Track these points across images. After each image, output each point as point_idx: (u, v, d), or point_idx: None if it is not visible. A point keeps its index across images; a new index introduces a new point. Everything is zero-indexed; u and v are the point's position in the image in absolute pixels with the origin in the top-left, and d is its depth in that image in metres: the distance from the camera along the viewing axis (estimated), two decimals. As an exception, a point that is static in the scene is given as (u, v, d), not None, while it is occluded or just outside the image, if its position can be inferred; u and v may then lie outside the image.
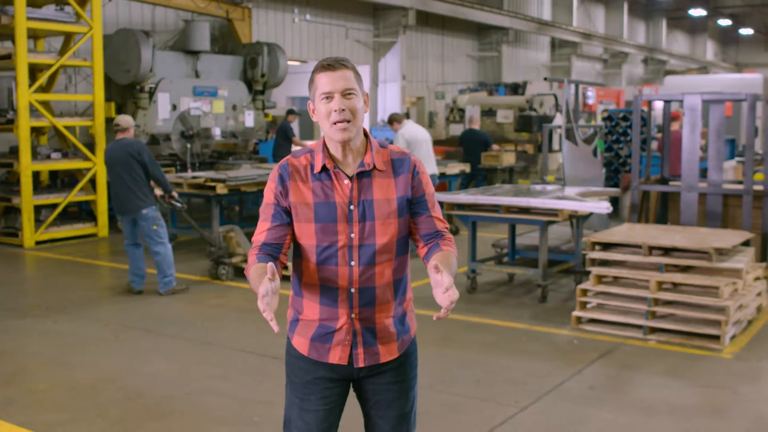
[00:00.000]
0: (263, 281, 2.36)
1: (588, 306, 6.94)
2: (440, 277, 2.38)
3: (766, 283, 7.33)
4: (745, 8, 43.92)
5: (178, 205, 8.26)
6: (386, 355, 2.71)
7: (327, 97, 2.61)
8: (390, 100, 22.16)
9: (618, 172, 13.17)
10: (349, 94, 2.61)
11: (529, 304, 7.69)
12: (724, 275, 6.47)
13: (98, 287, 8.64)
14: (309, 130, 21.69)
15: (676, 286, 6.65)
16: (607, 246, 7.06)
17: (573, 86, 10.14)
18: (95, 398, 5.17)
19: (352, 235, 2.61)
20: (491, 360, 5.98)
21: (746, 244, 7.51)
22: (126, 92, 13.48)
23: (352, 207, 2.62)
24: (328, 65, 2.63)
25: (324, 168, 2.64)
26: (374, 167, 2.65)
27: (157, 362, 5.91)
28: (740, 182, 8.54)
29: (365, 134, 2.70)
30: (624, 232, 7.32)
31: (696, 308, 6.44)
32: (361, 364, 2.68)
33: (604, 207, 7.36)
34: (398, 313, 2.74)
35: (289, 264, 2.76)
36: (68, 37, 11.87)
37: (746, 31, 48.08)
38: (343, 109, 2.59)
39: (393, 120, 10.74)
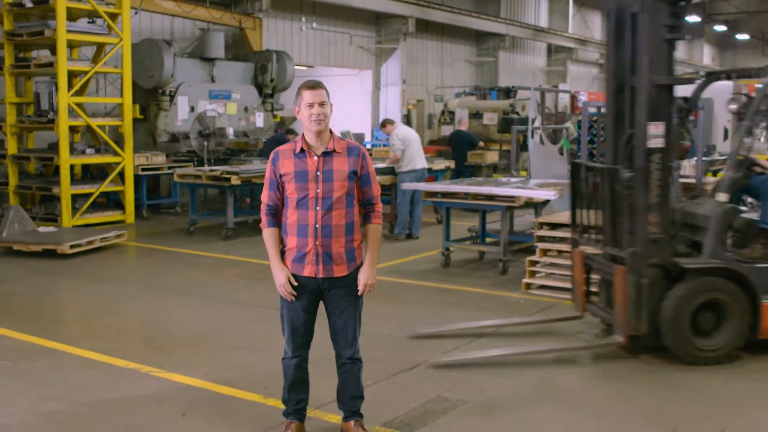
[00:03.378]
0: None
1: (536, 275, 8.45)
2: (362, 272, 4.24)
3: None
4: (740, 15, 45.29)
5: None
6: (338, 272, 4.26)
7: (310, 105, 4.18)
8: (391, 103, 23.69)
9: (591, 169, 14.63)
10: (323, 104, 4.20)
11: (492, 276, 9.22)
12: (643, 248, 7.97)
13: (130, 261, 10.20)
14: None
15: (606, 258, 8.15)
16: (555, 226, 8.58)
17: (539, 93, 11.66)
18: (139, 334, 6.75)
19: (318, 191, 4.19)
20: (450, 313, 7.50)
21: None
22: (149, 95, 15.07)
23: (318, 173, 4.19)
24: (311, 86, 4.23)
25: (302, 149, 4.22)
26: (334, 150, 4.23)
27: (185, 313, 7.47)
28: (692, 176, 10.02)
29: (330, 132, 4.26)
30: (568, 214, 8.83)
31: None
32: (320, 275, 4.24)
33: (551, 195, 8.88)
34: (348, 247, 4.29)
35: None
36: (100, 47, 13.43)
37: (743, 37, 49.41)
38: (319, 113, 4.17)
39: (386, 123, 12.24)
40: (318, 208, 4.19)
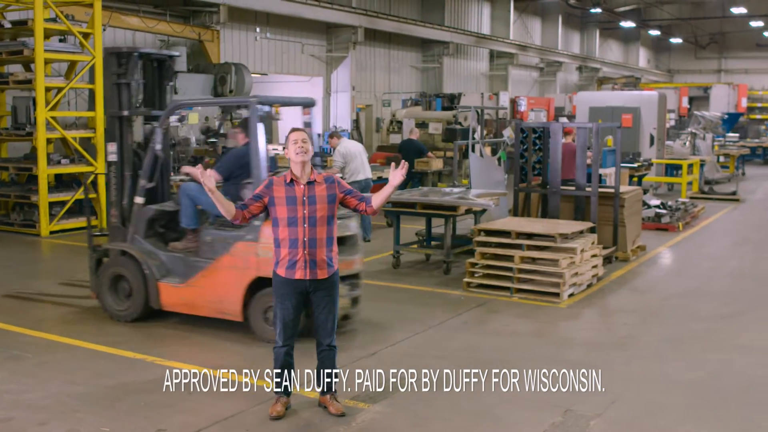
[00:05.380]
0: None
1: (475, 275, 9.75)
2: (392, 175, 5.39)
3: (602, 259, 10.23)
4: (673, 20, 47.46)
5: None
6: (321, 275, 5.52)
7: (294, 142, 5.45)
8: (341, 109, 24.92)
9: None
10: (305, 142, 5.46)
11: (437, 276, 10.52)
12: (565, 252, 9.34)
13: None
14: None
15: (534, 260, 9.50)
16: (490, 232, 9.88)
17: (476, 112, 12.99)
18: (138, 330, 7.86)
19: (305, 212, 5.44)
20: (402, 308, 8.79)
21: (593, 231, 10.41)
22: (116, 106, 16.01)
23: (304, 198, 5.45)
24: (297, 130, 5.52)
25: (291, 180, 5.46)
26: (315, 180, 5.49)
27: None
28: (612, 187, 11.39)
29: (311, 168, 5.48)
30: (503, 222, 10.19)
31: (546, 275, 9.29)
32: (308, 278, 5.48)
33: (489, 204, 10.19)
34: (328, 256, 5.55)
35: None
36: (73, 63, 14.38)
37: (676, 40, 51.64)
38: (302, 146, 5.43)
39: (333, 136, 13.41)
40: (305, 225, 5.45)
